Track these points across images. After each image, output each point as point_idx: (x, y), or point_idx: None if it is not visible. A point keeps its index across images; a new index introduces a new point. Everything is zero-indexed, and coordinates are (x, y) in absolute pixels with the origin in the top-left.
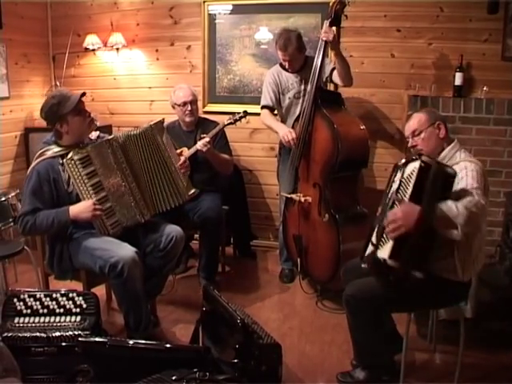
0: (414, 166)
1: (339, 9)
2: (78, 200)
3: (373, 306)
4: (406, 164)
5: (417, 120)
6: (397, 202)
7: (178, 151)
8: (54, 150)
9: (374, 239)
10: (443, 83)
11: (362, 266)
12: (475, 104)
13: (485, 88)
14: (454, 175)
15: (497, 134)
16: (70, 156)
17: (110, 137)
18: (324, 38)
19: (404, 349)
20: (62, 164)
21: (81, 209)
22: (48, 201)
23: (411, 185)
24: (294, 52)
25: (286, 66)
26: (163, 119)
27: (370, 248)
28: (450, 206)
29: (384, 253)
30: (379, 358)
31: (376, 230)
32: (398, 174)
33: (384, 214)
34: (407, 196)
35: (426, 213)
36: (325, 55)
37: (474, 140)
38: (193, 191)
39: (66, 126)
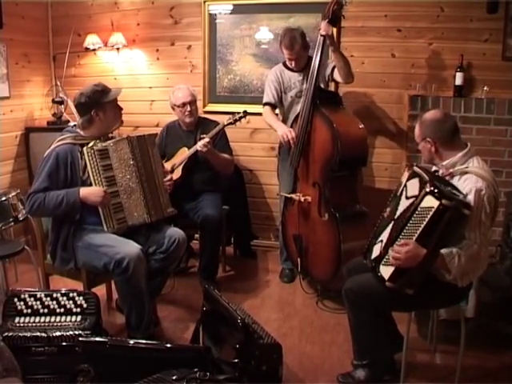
0: (432, 203)
1: (336, 9)
2: None
3: (372, 300)
4: (422, 180)
5: (415, 131)
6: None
7: (167, 167)
8: (76, 137)
9: (381, 248)
10: (444, 83)
11: (364, 261)
12: (476, 104)
13: (485, 88)
14: (468, 214)
15: (497, 134)
16: (90, 145)
17: (131, 135)
18: (323, 33)
19: (404, 348)
20: (81, 152)
21: (91, 191)
22: (61, 184)
23: (424, 223)
24: (300, 50)
25: (292, 65)
26: (156, 135)
27: (376, 253)
28: (450, 253)
29: (385, 273)
30: (379, 355)
31: (385, 241)
32: (414, 186)
33: (393, 214)
34: (417, 233)
35: (429, 256)
36: (323, 52)
37: (474, 140)
38: (170, 210)
39: (102, 114)
